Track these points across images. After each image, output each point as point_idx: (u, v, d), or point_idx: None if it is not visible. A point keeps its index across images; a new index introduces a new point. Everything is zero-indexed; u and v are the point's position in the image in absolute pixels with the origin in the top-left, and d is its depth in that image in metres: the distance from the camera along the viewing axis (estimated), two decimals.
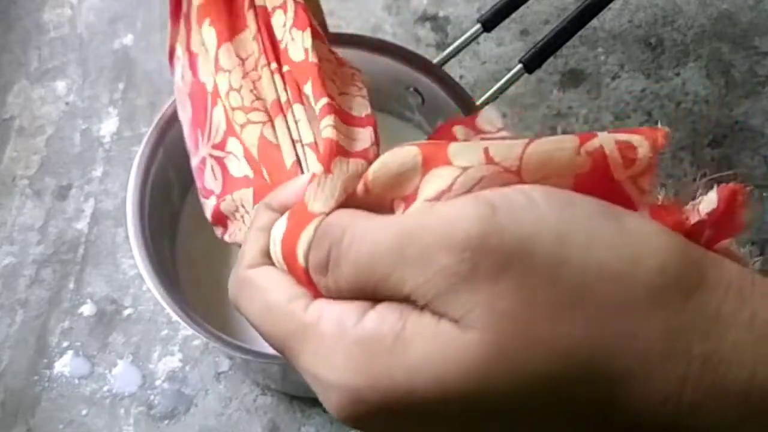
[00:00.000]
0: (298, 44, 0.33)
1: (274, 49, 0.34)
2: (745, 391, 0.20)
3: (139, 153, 0.47)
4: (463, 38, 0.51)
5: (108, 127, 0.59)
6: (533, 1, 0.57)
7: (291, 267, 0.25)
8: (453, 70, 0.57)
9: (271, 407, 0.48)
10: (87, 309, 0.52)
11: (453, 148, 0.24)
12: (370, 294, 0.22)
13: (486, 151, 0.23)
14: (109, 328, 0.51)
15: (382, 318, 0.22)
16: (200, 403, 0.48)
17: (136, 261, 0.43)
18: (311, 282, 0.24)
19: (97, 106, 0.60)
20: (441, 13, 0.63)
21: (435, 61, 0.50)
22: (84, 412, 0.48)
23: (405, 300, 0.22)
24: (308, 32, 0.33)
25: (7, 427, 0.48)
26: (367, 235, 0.22)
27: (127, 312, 0.51)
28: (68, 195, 0.56)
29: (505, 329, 0.20)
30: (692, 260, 0.21)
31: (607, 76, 0.60)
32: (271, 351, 0.40)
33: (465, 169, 0.23)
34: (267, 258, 0.26)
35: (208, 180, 0.36)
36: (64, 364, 0.50)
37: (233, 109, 0.34)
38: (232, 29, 0.36)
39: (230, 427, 0.48)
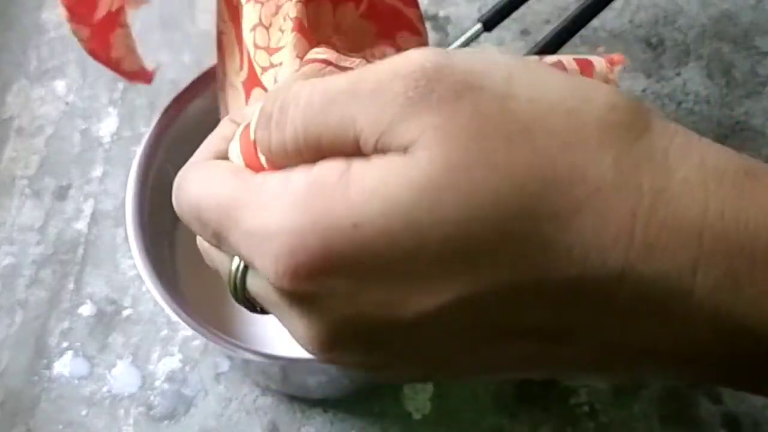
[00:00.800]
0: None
1: None
2: (697, 230, 0.20)
3: (139, 153, 0.47)
4: (463, 38, 0.51)
5: (108, 127, 0.59)
6: (534, 1, 0.57)
7: (248, 157, 0.25)
8: None
9: (271, 408, 0.48)
10: (86, 309, 0.52)
11: None
12: (315, 149, 0.22)
13: None
14: (108, 328, 0.51)
15: (328, 165, 0.22)
16: (200, 404, 0.48)
17: (135, 261, 0.43)
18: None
19: (96, 106, 0.60)
20: (441, 13, 0.63)
21: None
22: (84, 412, 0.48)
23: (352, 150, 0.22)
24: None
25: (6, 427, 0.48)
26: (319, 82, 0.23)
27: (126, 312, 0.51)
28: (68, 195, 0.56)
29: (456, 148, 0.20)
30: (639, 106, 0.22)
31: None
32: (271, 351, 0.40)
33: None
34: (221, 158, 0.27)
35: None
36: (64, 365, 0.50)
37: (257, 48, 0.35)
38: None
39: (230, 428, 0.48)
